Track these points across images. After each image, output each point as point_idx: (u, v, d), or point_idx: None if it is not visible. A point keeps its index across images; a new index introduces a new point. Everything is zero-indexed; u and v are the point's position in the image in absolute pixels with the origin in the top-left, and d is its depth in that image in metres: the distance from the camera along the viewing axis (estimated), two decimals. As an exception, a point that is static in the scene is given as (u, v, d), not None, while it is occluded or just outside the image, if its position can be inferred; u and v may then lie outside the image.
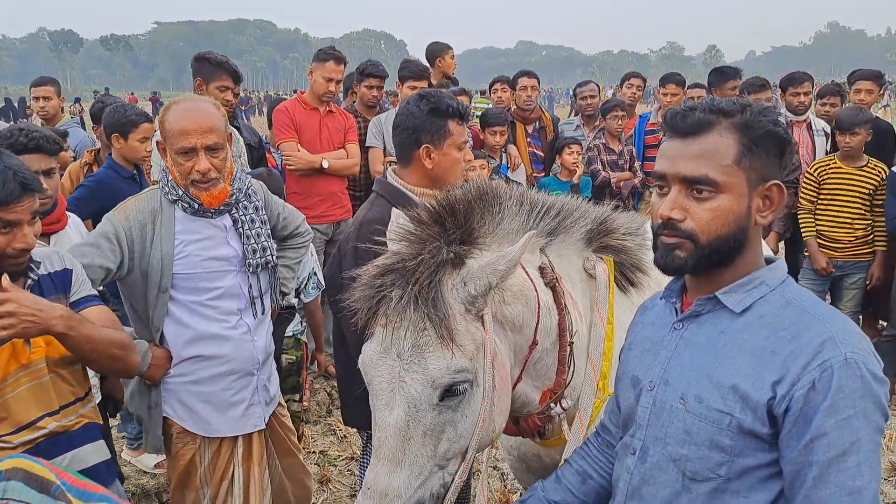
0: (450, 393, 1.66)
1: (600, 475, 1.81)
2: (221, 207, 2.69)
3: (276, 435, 2.99)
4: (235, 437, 2.81)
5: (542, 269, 1.99)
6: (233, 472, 2.81)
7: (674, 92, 6.46)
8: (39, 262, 2.23)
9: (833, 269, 5.08)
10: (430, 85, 5.71)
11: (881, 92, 5.91)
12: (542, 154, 6.16)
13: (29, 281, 2.17)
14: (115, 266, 2.57)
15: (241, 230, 2.73)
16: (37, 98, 5.73)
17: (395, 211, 2.02)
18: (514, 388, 1.91)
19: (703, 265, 1.48)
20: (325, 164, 5.00)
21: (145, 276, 2.62)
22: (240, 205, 2.75)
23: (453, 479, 1.72)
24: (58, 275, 2.30)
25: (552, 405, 2.03)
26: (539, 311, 1.91)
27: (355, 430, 4.77)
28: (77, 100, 37.60)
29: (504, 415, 1.83)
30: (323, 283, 3.80)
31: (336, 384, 5.30)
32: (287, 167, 5.03)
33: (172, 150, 2.59)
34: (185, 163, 2.57)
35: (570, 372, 2.03)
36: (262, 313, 2.85)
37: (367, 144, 5.40)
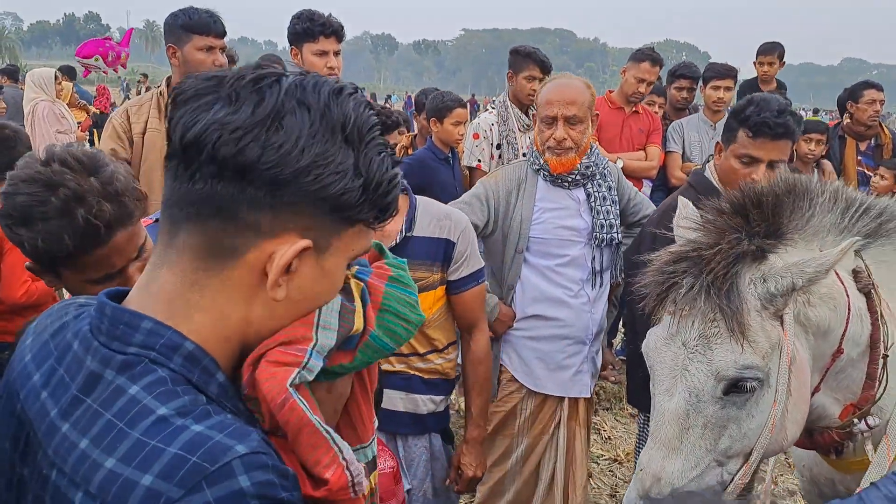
0: (736, 389, 1.61)
1: None
2: (577, 179, 2.88)
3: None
4: (561, 398, 3.02)
5: (856, 273, 1.84)
6: (554, 429, 3.03)
7: None
8: (413, 222, 2.38)
9: None
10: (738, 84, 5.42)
11: None
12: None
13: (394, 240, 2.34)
14: (482, 224, 2.88)
15: (592, 205, 2.91)
16: None
17: (681, 200, 2.00)
18: (811, 397, 1.79)
19: None
20: (620, 164, 4.96)
21: (505, 238, 2.91)
22: (595, 180, 2.93)
23: (732, 479, 1.66)
24: (433, 242, 2.40)
25: (856, 421, 1.87)
26: (848, 318, 1.77)
27: (621, 434, 4.75)
28: (388, 97, 42.71)
29: (798, 424, 1.74)
30: None
31: (605, 386, 5.34)
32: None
33: (539, 119, 2.84)
34: (546, 130, 2.80)
35: (880, 388, 1.85)
36: (601, 287, 3.00)
37: (666, 149, 5.28)
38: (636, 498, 1.64)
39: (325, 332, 0.92)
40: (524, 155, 4.05)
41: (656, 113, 5.43)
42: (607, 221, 2.91)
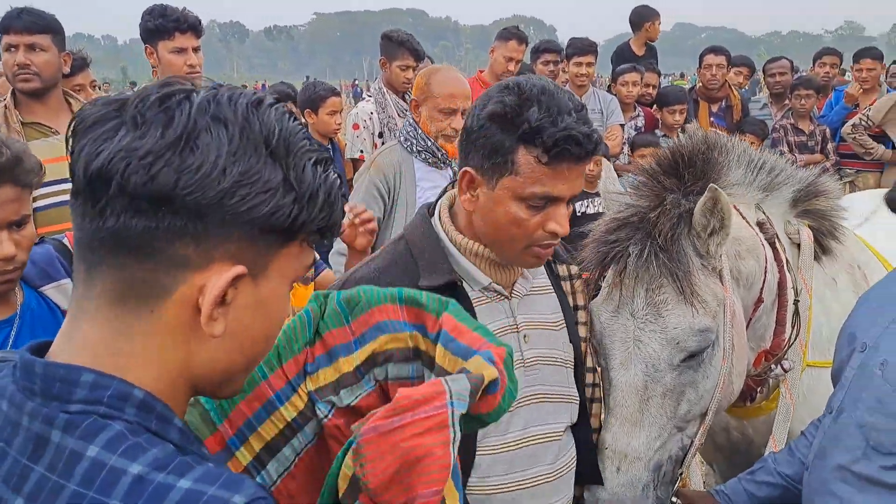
0: (691, 353, 1.64)
1: None
2: (450, 160, 3.13)
3: None
4: None
5: (761, 225, 1.90)
6: None
7: (870, 66, 6.10)
8: None
9: None
10: (623, 56, 6.07)
11: None
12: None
13: None
14: (383, 217, 3.03)
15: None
16: None
17: (605, 163, 2.12)
18: None
19: None
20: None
21: (392, 224, 3.05)
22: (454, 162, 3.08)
23: (692, 442, 1.70)
24: None
25: (773, 367, 1.92)
26: (766, 268, 1.84)
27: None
28: (244, 86, 63.97)
29: (742, 377, 1.79)
30: None
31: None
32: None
33: (435, 108, 3.03)
34: (444, 120, 3.03)
35: (793, 331, 1.93)
36: None
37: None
38: (616, 474, 1.62)
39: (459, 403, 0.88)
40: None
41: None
42: None
